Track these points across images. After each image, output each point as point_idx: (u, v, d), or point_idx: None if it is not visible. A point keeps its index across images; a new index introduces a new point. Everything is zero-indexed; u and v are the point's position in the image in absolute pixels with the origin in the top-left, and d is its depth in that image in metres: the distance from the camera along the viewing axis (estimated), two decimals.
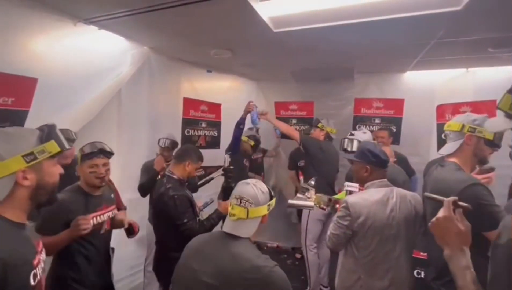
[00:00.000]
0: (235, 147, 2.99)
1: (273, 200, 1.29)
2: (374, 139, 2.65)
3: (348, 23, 1.91)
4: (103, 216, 1.62)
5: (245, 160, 3.26)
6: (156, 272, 1.96)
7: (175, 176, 1.88)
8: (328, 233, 1.63)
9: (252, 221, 1.21)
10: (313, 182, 2.06)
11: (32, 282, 0.85)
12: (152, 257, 2.09)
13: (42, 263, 0.94)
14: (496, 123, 1.31)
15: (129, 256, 2.82)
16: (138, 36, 2.38)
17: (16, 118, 1.81)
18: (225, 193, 1.98)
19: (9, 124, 1.81)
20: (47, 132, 0.91)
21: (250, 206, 1.20)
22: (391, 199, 1.54)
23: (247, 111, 2.92)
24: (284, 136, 4.19)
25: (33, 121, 1.84)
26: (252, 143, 3.23)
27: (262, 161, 3.87)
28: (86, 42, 2.05)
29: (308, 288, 2.87)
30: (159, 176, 2.46)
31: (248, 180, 1.27)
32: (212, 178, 2.38)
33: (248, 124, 3.06)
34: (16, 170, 0.83)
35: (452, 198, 0.86)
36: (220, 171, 2.32)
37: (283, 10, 1.88)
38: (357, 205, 1.52)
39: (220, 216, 1.87)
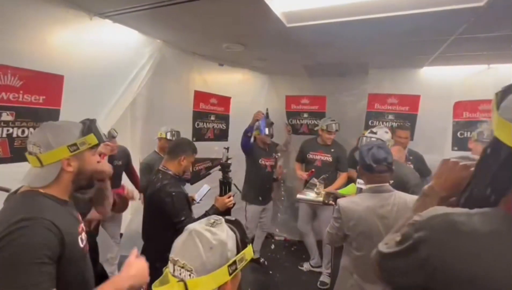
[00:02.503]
0: (246, 153, 2.96)
1: (246, 250, 0.77)
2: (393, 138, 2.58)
3: (364, 19, 1.86)
4: None
5: (262, 159, 3.14)
6: None
7: (170, 172, 1.83)
8: (326, 229, 1.67)
9: None
10: (323, 180, 2.07)
11: (81, 245, 1.05)
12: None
13: (84, 231, 1.13)
14: None
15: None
16: (152, 30, 2.39)
17: (50, 117, 1.76)
18: (222, 188, 2.02)
19: None
20: (88, 126, 1.07)
21: (190, 276, 0.69)
22: (386, 206, 1.47)
23: (256, 119, 2.85)
24: (295, 131, 4.16)
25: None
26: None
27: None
28: (103, 36, 2.07)
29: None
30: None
31: (195, 226, 0.76)
32: (209, 173, 2.40)
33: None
34: (62, 158, 1.01)
35: None
36: (218, 167, 2.33)
37: (297, 5, 1.84)
38: (347, 209, 1.50)
39: (216, 213, 1.86)
